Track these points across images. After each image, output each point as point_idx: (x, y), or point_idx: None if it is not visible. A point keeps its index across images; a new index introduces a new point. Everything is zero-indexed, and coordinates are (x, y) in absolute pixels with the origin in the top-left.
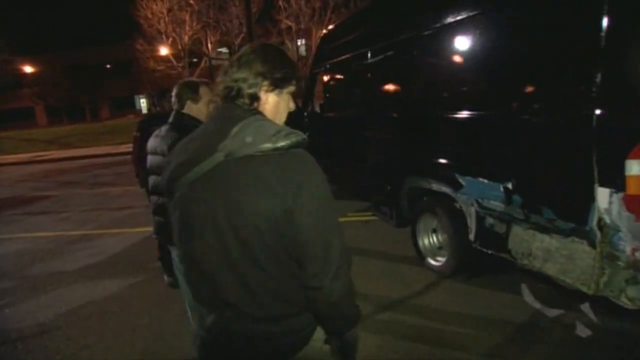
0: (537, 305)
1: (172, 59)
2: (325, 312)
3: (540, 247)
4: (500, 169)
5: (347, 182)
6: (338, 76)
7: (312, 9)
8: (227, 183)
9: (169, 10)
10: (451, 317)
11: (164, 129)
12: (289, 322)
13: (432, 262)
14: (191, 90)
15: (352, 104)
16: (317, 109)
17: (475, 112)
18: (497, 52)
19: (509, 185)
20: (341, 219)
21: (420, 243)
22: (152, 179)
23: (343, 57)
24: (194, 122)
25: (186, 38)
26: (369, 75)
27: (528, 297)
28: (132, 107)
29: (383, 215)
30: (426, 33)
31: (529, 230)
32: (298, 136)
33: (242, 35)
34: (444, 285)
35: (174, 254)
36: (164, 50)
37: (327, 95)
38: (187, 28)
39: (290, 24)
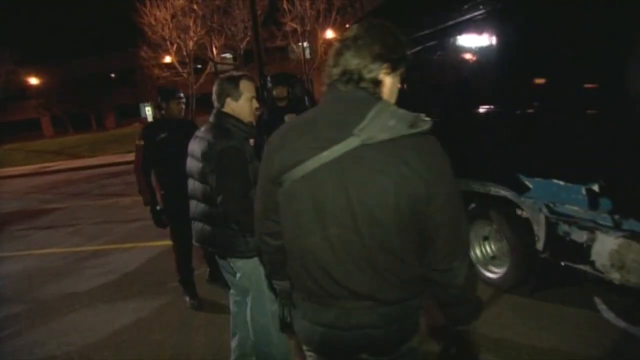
0: (621, 323)
1: (177, 65)
2: (453, 296)
3: (637, 259)
4: (584, 168)
5: None
6: None
7: (316, 11)
8: (365, 167)
9: (173, 17)
10: (521, 336)
11: (203, 129)
12: (406, 306)
13: (486, 273)
14: (231, 86)
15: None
16: None
17: (549, 104)
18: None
19: (595, 188)
20: None
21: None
22: (190, 183)
23: None
24: (234, 122)
25: (191, 44)
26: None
27: (607, 313)
28: (138, 115)
29: None
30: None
31: (622, 239)
32: (430, 121)
33: (248, 38)
34: (505, 300)
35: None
36: (168, 58)
37: None
38: (192, 33)
39: (295, 26)
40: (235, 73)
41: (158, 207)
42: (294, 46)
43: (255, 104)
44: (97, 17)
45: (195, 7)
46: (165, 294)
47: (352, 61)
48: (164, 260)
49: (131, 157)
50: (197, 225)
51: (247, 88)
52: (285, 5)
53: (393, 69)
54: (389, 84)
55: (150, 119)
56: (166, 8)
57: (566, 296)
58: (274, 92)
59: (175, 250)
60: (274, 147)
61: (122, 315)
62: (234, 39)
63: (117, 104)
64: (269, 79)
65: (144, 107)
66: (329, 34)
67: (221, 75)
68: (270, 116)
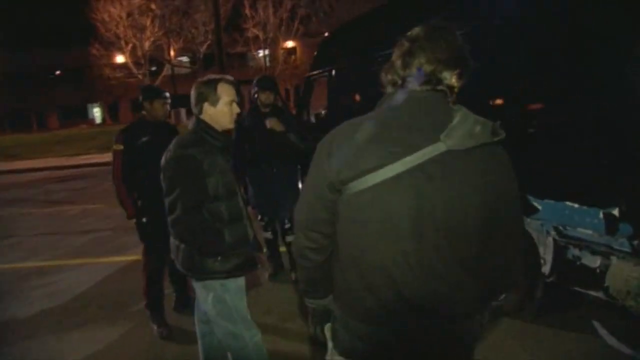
0: (627, 350)
1: (132, 66)
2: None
3: None
4: (603, 192)
5: None
6: (353, 82)
7: (279, 19)
8: (450, 176)
9: (129, 15)
10: None
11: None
12: (475, 320)
13: None
14: (208, 90)
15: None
16: (312, 119)
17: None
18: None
19: (615, 212)
20: None
21: None
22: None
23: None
24: (207, 129)
25: (147, 44)
26: None
27: (610, 339)
28: (85, 117)
29: None
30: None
31: None
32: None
33: (208, 42)
34: (507, 325)
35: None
36: (122, 57)
37: (334, 104)
38: (148, 34)
39: (257, 33)
40: (213, 76)
41: (144, 220)
42: (255, 53)
43: (235, 108)
44: (43, 8)
45: (153, 6)
46: (127, 319)
47: (428, 63)
48: (123, 279)
49: (80, 161)
50: (171, 239)
51: (225, 91)
52: (248, 11)
53: (460, 77)
54: (456, 90)
55: (98, 120)
56: (122, 5)
57: (564, 320)
58: (261, 98)
59: (146, 267)
60: (333, 151)
61: (75, 348)
62: (194, 42)
63: (62, 104)
64: (254, 83)
65: (92, 108)
66: (289, 43)
67: (198, 79)
68: (252, 122)
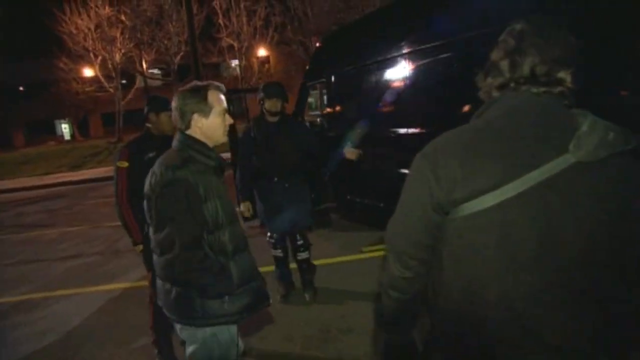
0: None
1: (102, 79)
2: None
3: None
4: None
5: (365, 210)
6: (355, 87)
7: (253, 27)
8: (583, 191)
9: (97, 27)
10: None
11: (160, 158)
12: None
13: None
14: (196, 99)
15: (378, 120)
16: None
17: None
18: None
19: None
20: (357, 256)
21: None
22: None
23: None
24: (198, 147)
25: (117, 56)
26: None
27: None
28: (52, 133)
29: None
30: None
31: None
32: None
33: (182, 53)
34: None
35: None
36: (90, 71)
37: (335, 109)
38: (119, 45)
39: (232, 42)
40: (199, 83)
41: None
42: (229, 62)
43: (228, 119)
44: (7, 20)
45: (123, 17)
46: (130, 358)
47: (542, 63)
48: (117, 310)
49: (51, 180)
50: (158, 281)
51: (217, 100)
52: (221, 21)
53: (574, 77)
54: None
55: (67, 137)
56: (90, 17)
57: None
58: (266, 105)
59: (153, 300)
60: (440, 166)
61: None
62: (167, 53)
63: (27, 120)
64: (260, 89)
65: (60, 124)
66: (262, 52)
67: (180, 88)
68: (259, 133)
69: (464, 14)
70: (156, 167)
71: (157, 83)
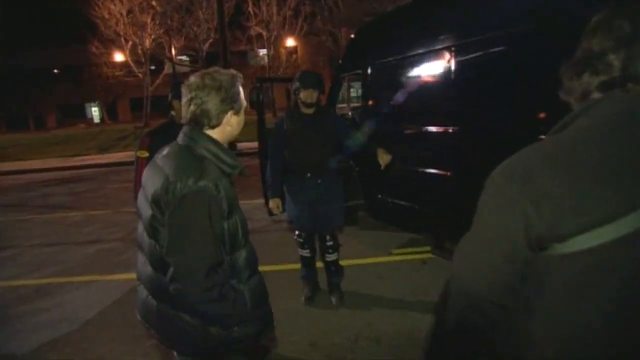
0: None
1: (132, 64)
2: None
3: None
4: None
5: (399, 211)
6: (395, 80)
7: (283, 17)
8: None
9: (129, 12)
10: None
11: (165, 152)
12: None
13: None
14: (233, 91)
15: (420, 115)
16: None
17: None
18: None
19: None
20: (386, 258)
21: None
22: (139, 227)
23: (409, 54)
24: (216, 149)
25: (148, 42)
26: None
27: None
28: (83, 116)
29: (449, 255)
30: None
31: None
32: None
33: (211, 40)
34: None
35: None
36: (121, 55)
37: (370, 102)
38: (149, 31)
39: (261, 31)
40: (227, 75)
41: None
42: (256, 52)
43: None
44: (42, 6)
45: (154, 3)
46: (147, 357)
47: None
48: (135, 302)
49: (77, 161)
50: (141, 292)
51: (242, 93)
52: (250, 9)
53: None
54: None
55: (97, 120)
56: (122, 2)
57: None
58: (302, 96)
59: None
60: (536, 189)
61: None
62: (196, 40)
63: (60, 103)
64: (295, 79)
65: (90, 107)
66: (290, 42)
67: (202, 72)
68: (292, 125)
69: (525, 2)
70: (170, 174)
71: (185, 69)
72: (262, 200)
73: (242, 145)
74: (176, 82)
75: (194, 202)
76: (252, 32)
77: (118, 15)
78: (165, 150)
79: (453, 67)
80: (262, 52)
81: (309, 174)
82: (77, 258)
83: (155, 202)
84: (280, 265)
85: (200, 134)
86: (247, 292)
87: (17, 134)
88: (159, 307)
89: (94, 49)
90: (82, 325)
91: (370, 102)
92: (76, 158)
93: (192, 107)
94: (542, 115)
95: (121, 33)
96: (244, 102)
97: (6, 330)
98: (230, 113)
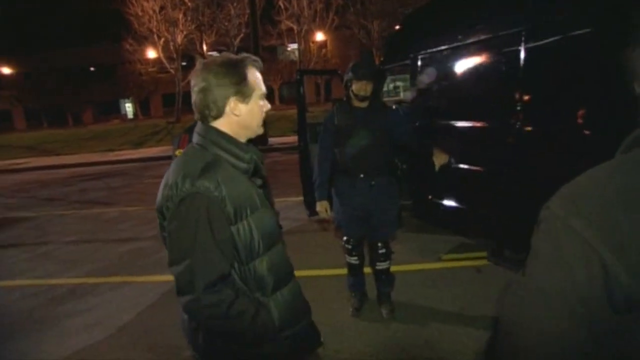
0: None
1: (164, 61)
2: None
3: None
4: None
5: (452, 215)
6: (450, 71)
7: (314, 10)
8: None
9: (162, 8)
10: None
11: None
12: None
13: None
14: (235, 78)
15: (479, 110)
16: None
17: None
18: None
19: None
20: (435, 264)
21: None
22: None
23: (467, 42)
24: (228, 144)
25: (179, 38)
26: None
27: None
28: (117, 112)
29: (508, 263)
30: None
31: None
32: None
33: (242, 35)
34: None
35: None
36: (153, 52)
37: (419, 95)
38: (181, 27)
39: (291, 25)
40: (232, 56)
41: None
42: (287, 46)
43: (266, 104)
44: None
45: None
46: None
47: None
48: (170, 307)
49: (114, 157)
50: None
51: (256, 79)
52: (281, 3)
53: None
54: None
55: (130, 115)
56: None
57: None
58: (354, 88)
59: None
60: (619, 231)
61: None
62: (227, 35)
63: (96, 100)
64: (348, 69)
65: (124, 103)
66: (319, 36)
67: (204, 61)
68: (343, 121)
69: None
70: (171, 174)
71: None
72: (299, 198)
73: (273, 140)
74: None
75: (190, 206)
76: (283, 27)
77: (151, 12)
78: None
79: (522, 55)
80: (292, 46)
81: (362, 175)
82: (112, 256)
83: (159, 210)
84: (321, 271)
85: (208, 129)
86: (274, 306)
87: (56, 130)
88: (187, 321)
89: (127, 47)
90: (116, 331)
91: (419, 96)
92: (112, 153)
93: (193, 97)
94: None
95: (154, 30)
96: (257, 89)
97: (39, 334)
98: (234, 99)
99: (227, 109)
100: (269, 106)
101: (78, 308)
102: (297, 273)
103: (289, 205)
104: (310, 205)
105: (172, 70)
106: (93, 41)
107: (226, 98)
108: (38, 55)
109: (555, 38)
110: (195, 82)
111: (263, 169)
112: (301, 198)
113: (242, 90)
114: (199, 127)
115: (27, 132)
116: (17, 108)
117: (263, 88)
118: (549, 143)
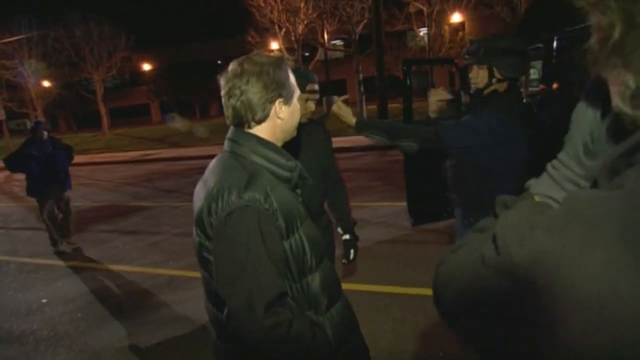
0: None
1: (285, 52)
2: None
3: None
4: None
5: None
6: None
7: None
8: None
9: None
10: None
11: (212, 163)
12: None
13: None
14: (280, 77)
15: None
16: None
17: None
18: None
19: None
20: None
21: None
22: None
23: None
24: (267, 152)
25: (300, 28)
26: None
27: None
28: None
29: None
30: None
31: None
32: None
33: (364, 22)
34: None
35: None
36: (275, 44)
37: (556, 85)
38: (302, 16)
39: (421, 7)
40: (270, 56)
41: None
42: (417, 31)
43: (311, 105)
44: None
45: None
46: None
47: None
48: None
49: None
50: (210, 333)
51: (294, 80)
52: None
53: None
54: None
55: None
56: None
57: None
58: (470, 76)
59: None
60: None
61: None
62: (349, 22)
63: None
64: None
65: None
66: (456, 17)
67: (240, 62)
68: (470, 109)
69: None
70: (212, 186)
71: (338, 54)
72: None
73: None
74: (293, 69)
75: (240, 221)
76: (411, 9)
77: (273, 3)
78: (213, 160)
79: None
80: (422, 31)
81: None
82: None
83: (199, 225)
84: (409, 289)
85: (245, 135)
86: (329, 325)
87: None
88: (226, 348)
89: (249, 39)
90: (200, 327)
91: (553, 84)
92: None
93: (231, 101)
94: None
95: (275, 20)
96: (297, 90)
97: (137, 320)
98: (278, 102)
99: (272, 113)
100: (312, 107)
101: (172, 299)
102: (382, 288)
103: (398, 210)
104: (414, 213)
105: (293, 62)
106: (220, 35)
107: (271, 102)
108: (171, 51)
109: None
110: (235, 85)
111: (309, 178)
112: (404, 204)
113: (287, 92)
114: (234, 133)
115: (160, 125)
116: (154, 102)
117: (298, 90)
118: None
